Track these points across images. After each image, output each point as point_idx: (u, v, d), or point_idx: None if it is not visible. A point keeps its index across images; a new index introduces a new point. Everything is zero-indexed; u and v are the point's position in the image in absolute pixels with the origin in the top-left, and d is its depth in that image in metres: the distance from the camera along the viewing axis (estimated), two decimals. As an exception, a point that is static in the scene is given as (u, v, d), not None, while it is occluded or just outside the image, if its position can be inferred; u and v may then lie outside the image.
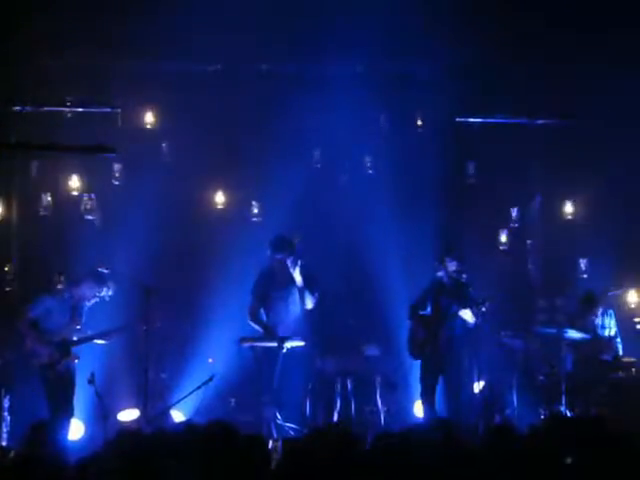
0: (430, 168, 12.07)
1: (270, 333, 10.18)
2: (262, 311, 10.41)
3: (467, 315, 10.26)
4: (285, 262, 10.23)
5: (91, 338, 9.92)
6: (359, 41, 11.12)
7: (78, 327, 9.88)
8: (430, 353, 10.40)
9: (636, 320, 11.83)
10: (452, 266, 10.48)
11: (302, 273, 10.21)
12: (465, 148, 12.23)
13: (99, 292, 9.87)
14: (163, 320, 10.18)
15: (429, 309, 10.50)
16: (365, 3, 10.75)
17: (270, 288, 10.39)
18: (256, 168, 11.73)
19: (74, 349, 9.84)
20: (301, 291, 10.28)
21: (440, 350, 10.34)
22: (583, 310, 11.17)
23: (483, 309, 10.10)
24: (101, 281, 9.87)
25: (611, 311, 11.20)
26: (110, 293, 9.94)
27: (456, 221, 12.09)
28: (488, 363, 10.86)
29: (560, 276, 12.31)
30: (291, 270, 10.21)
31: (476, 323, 10.25)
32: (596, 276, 11.67)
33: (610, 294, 11.31)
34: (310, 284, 10.30)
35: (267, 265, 10.46)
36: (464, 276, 10.40)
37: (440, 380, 10.41)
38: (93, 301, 9.92)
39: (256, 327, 10.34)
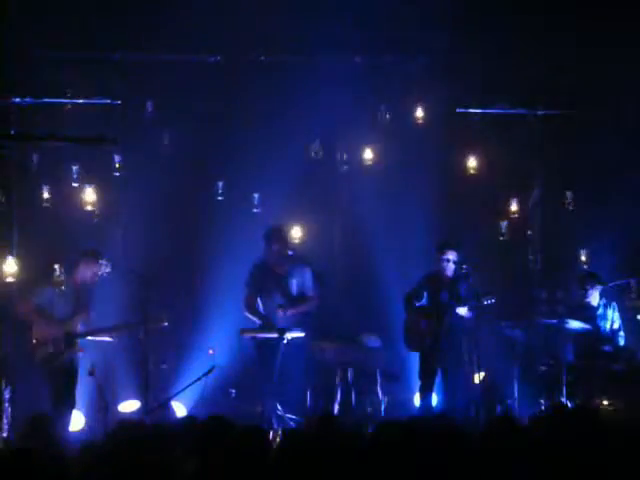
0: (430, 159, 12.07)
1: (268, 324, 10.20)
2: (259, 302, 10.45)
3: (462, 310, 10.29)
4: (281, 254, 10.24)
5: (98, 332, 9.90)
6: (359, 32, 11.13)
7: (84, 319, 9.87)
8: (430, 346, 10.40)
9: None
10: (452, 257, 10.49)
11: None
12: (465, 139, 12.20)
13: (97, 270, 9.82)
14: (167, 315, 10.17)
15: (425, 300, 10.50)
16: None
17: (265, 280, 10.40)
18: (256, 159, 11.72)
19: (80, 341, 9.83)
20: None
21: (440, 343, 10.34)
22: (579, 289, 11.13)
23: (485, 302, 10.13)
24: (95, 258, 9.82)
25: (614, 304, 11.16)
26: (108, 270, 9.88)
27: (456, 212, 12.08)
28: (489, 354, 10.88)
29: (560, 267, 12.29)
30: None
31: (472, 317, 10.31)
32: (597, 267, 11.64)
33: (611, 285, 11.28)
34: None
35: (261, 256, 10.48)
36: (464, 267, 10.40)
37: (439, 373, 10.43)
38: (94, 281, 9.86)
39: (253, 318, 10.35)
